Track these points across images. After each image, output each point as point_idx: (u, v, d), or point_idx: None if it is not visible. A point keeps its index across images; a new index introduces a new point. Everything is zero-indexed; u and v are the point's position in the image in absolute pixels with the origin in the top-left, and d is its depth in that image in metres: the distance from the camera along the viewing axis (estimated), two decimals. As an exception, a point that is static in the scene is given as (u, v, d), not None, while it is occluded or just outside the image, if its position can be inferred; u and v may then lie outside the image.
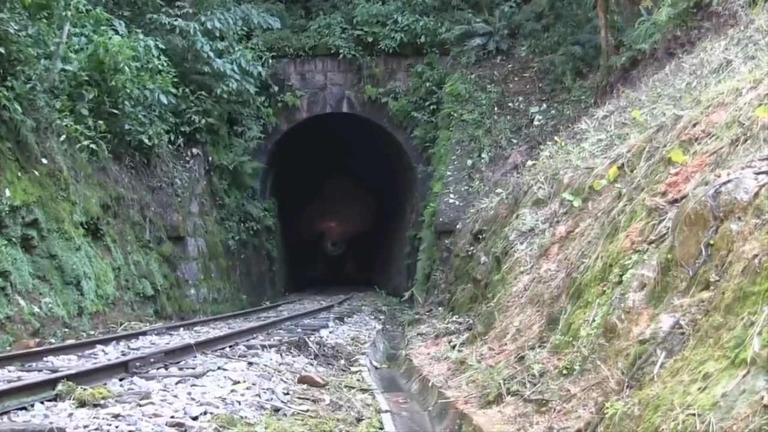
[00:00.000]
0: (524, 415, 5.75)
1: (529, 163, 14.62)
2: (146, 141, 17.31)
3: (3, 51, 11.98)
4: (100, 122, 15.41)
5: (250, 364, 8.84)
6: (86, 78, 15.27)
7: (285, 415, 6.55)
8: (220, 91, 21.34)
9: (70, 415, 5.87)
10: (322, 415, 6.66)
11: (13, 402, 6.09)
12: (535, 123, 21.14)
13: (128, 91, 16.42)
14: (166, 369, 8.47)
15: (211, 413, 6.04)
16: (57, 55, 13.95)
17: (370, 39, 25.95)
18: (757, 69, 6.58)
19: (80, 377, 7.03)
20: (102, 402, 6.28)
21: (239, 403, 6.61)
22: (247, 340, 11.29)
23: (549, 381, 5.96)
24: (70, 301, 12.70)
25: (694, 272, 4.59)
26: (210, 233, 21.46)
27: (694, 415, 3.47)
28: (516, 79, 23.03)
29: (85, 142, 14.84)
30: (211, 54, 20.88)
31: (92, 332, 12.72)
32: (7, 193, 11.65)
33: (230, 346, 10.51)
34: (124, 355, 9.51)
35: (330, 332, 13.33)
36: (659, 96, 9.94)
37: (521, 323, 8.17)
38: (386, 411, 7.12)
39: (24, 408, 6.10)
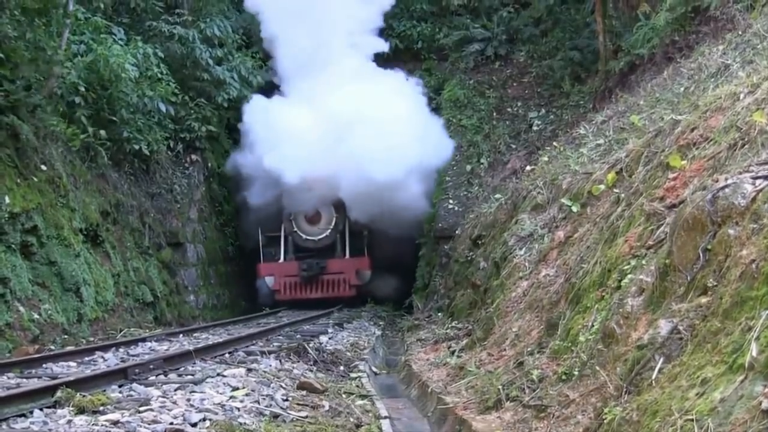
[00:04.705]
0: (523, 420, 5.75)
1: (528, 168, 14.64)
2: (145, 148, 17.31)
3: (2, 56, 11.99)
4: (102, 132, 15.41)
5: (250, 370, 8.83)
6: (85, 86, 15.29)
7: (284, 421, 6.54)
8: (221, 99, 21.35)
9: (69, 421, 5.86)
10: (322, 421, 6.66)
11: (12, 409, 6.08)
12: (534, 128, 21.17)
13: (128, 98, 16.44)
14: (166, 375, 8.46)
15: (210, 420, 6.03)
16: (56, 62, 13.96)
17: (368, 45, 25.90)
18: (755, 73, 6.59)
19: (79, 384, 7.01)
20: (101, 408, 6.27)
21: (238, 409, 6.60)
22: (247, 347, 11.27)
23: (548, 386, 5.96)
24: (70, 308, 12.69)
25: (692, 277, 4.59)
26: (209, 239, 21.47)
27: (692, 420, 3.48)
28: (514, 84, 23.05)
29: (80, 140, 14.83)
30: (210, 61, 20.91)
31: (92, 339, 12.71)
32: (7, 200, 11.66)
33: (229, 353, 10.50)
34: (123, 361, 9.50)
35: (329, 338, 13.32)
36: (657, 101, 9.96)
37: (520, 328, 8.17)
38: (385, 417, 7.12)
39: (23, 415, 6.09)
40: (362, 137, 20.13)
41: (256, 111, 22.01)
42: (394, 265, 23.26)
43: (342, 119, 20.48)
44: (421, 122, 21.70)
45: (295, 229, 23.07)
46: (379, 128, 19.98)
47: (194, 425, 5.90)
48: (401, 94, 21.97)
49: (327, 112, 20.90)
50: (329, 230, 23.12)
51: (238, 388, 7.57)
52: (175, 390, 7.36)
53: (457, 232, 17.95)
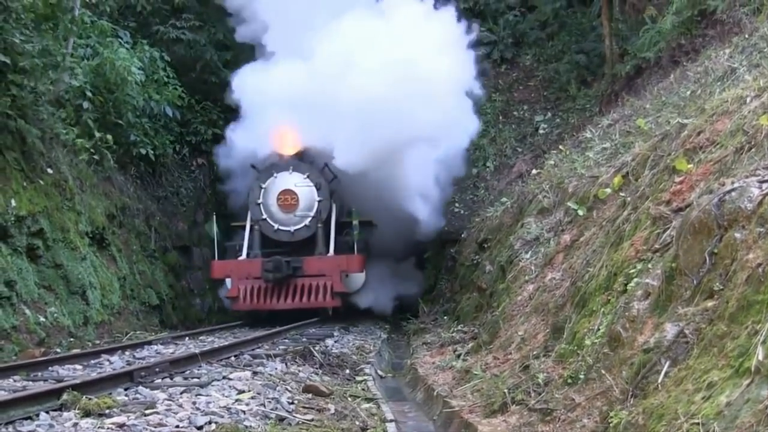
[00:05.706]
0: (529, 424, 5.73)
1: (534, 171, 14.60)
2: (151, 152, 17.34)
3: (8, 61, 12.03)
4: (109, 136, 15.46)
5: (255, 373, 8.83)
6: (91, 89, 15.33)
7: (290, 424, 6.54)
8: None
9: (75, 424, 5.87)
10: (327, 424, 6.65)
11: (18, 412, 6.09)
12: (540, 131, 21.18)
13: (134, 102, 16.49)
14: (172, 378, 8.47)
15: (215, 423, 6.03)
16: (63, 67, 14.00)
17: (375, 48, 25.88)
18: (762, 77, 6.58)
19: (85, 387, 7.02)
20: (107, 411, 6.28)
21: (244, 412, 6.60)
22: (252, 350, 11.28)
23: (554, 390, 5.95)
24: (76, 311, 12.72)
25: (698, 281, 4.58)
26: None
27: (698, 424, 3.47)
28: (520, 87, 23.06)
29: (87, 152, 14.89)
30: (219, 64, 20.97)
31: (97, 342, 12.74)
32: (13, 203, 11.69)
33: (235, 356, 10.50)
34: (129, 364, 9.51)
35: (335, 341, 13.32)
36: (664, 104, 9.95)
37: (526, 332, 8.16)
38: (391, 420, 7.11)
39: (29, 418, 6.10)
40: (357, 90, 15.62)
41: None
42: (396, 266, 19.91)
43: (332, 67, 15.85)
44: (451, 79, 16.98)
45: (264, 216, 17.10)
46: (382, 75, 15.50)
47: (200, 428, 5.91)
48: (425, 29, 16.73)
49: (315, 60, 16.22)
50: (309, 218, 17.10)
51: (243, 391, 7.57)
52: (181, 393, 7.37)
53: (463, 235, 17.92)
